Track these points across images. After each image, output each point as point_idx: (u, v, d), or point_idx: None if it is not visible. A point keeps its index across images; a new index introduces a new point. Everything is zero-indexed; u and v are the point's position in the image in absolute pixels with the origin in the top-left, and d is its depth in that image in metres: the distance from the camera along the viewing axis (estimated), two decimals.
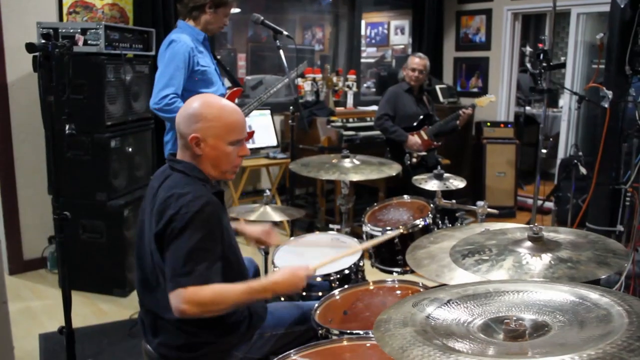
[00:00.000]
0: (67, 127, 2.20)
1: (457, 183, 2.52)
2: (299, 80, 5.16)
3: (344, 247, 2.44)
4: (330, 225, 2.61)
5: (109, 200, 3.45)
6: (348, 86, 5.54)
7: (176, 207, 1.63)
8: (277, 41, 3.11)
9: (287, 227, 4.55)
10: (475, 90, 6.15)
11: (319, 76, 5.32)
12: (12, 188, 3.72)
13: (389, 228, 2.42)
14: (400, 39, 8.25)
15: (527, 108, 6.90)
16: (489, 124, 5.77)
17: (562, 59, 5.73)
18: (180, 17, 2.99)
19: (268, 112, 4.97)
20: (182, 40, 2.84)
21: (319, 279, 2.24)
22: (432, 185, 2.51)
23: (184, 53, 2.80)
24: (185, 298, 1.56)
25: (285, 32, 3.10)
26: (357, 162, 2.69)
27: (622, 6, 3.08)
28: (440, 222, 2.49)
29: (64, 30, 3.31)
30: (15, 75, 3.63)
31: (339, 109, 5.39)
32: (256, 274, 2.42)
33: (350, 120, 5.19)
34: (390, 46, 8.50)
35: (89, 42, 3.29)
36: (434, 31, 6.20)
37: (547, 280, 1.37)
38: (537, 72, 3.57)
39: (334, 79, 5.44)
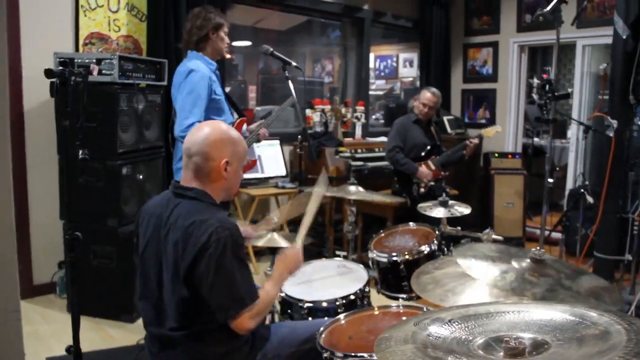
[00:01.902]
0: (80, 152, 2.26)
1: (462, 210, 2.54)
2: (308, 111, 5.24)
3: (350, 274, 2.46)
4: (337, 252, 2.63)
5: (120, 226, 3.49)
6: (357, 117, 5.61)
7: (204, 235, 1.66)
8: (286, 72, 3.19)
9: None
10: (483, 121, 6.21)
11: (327, 107, 5.39)
12: (24, 213, 3.78)
13: (394, 254, 2.44)
14: (409, 72, 8.37)
15: (535, 139, 6.94)
16: (496, 154, 5.80)
17: (570, 90, 5.78)
18: (187, 48, 3.09)
19: (277, 142, 5.03)
20: (201, 70, 2.94)
21: (324, 304, 2.26)
22: (437, 212, 2.53)
23: (205, 82, 2.91)
24: (251, 316, 1.70)
25: (294, 63, 3.18)
26: (361, 189, 2.73)
27: (624, 37, 3.14)
28: (445, 248, 2.51)
29: (79, 61, 3.41)
30: (32, 103, 3.73)
31: (348, 139, 5.45)
32: None
33: (359, 150, 5.24)
34: (399, 78, 8.62)
35: (103, 71, 3.39)
36: (442, 63, 6.30)
37: (547, 302, 1.38)
38: (543, 102, 3.61)
39: (343, 110, 5.52)
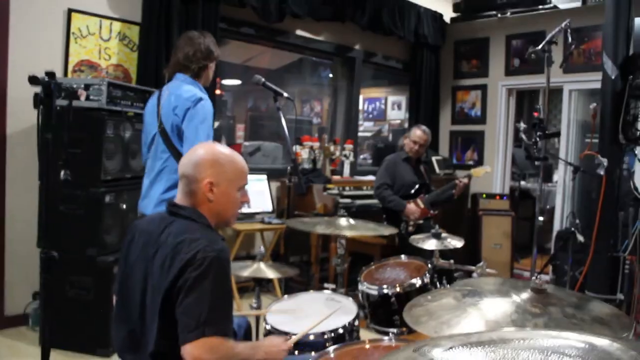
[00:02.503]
0: (62, 172, 2.18)
1: (455, 242, 2.48)
2: (297, 148, 5.21)
3: (338, 307, 2.36)
4: (325, 285, 2.53)
5: (99, 256, 3.36)
6: (345, 155, 5.59)
7: (190, 252, 1.58)
8: (277, 103, 3.15)
9: (279, 290, 4.44)
10: (471, 162, 6.23)
11: (316, 144, 5.37)
12: (0, 242, 3.64)
13: (385, 287, 2.35)
14: (397, 114, 8.45)
15: (522, 182, 6.96)
16: (484, 195, 5.78)
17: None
18: (179, 71, 2.94)
19: (264, 177, 4.97)
20: (208, 99, 2.83)
21: (312, 337, 2.15)
22: (430, 244, 2.47)
23: (212, 112, 2.82)
24: (209, 348, 1.53)
25: (285, 94, 3.14)
26: (352, 222, 2.66)
27: (612, 77, 3.17)
28: (437, 282, 2.43)
29: (67, 85, 3.35)
30: (15, 127, 3.65)
31: (336, 177, 5.41)
32: (247, 332, 2.33)
33: (347, 188, 5.20)
34: (387, 121, 8.69)
35: (90, 97, 3.33)
36: (431, 105, 6.36)
37: (554, 329, 1.31)
38: (532, 142, 3.61)
39: (331, 147, 5.50)
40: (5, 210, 3.68)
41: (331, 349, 1.96)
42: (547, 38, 3.23)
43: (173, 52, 3.07)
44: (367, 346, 2.01)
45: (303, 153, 5.22)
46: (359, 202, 5.00)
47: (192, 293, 1.55)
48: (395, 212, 4.41)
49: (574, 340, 1.18)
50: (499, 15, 5.86)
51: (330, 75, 6.54)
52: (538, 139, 3.60)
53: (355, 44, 5.87)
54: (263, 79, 3.15)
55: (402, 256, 2.69)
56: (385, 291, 2.32)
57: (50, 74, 1.67)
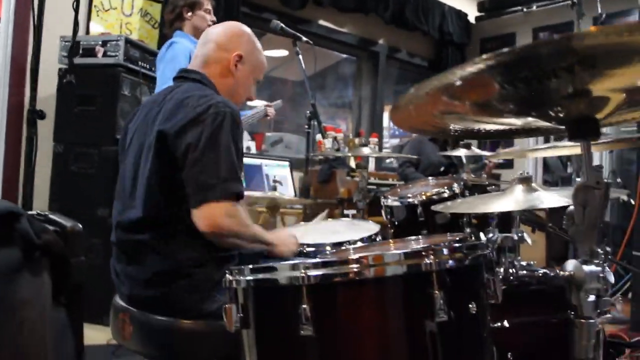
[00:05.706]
0: (67, 76, 2.09)
1: (485, 152, 2.27)
2: (319, 136, 5.07)
3: (359, 227, 2.16)
4: (345, 212, 2.35)
5: (111, 217, 3.22)
6: (370, 149, 5.41)
7: (201, 106, 1.44)
8: (297, 47, 3.08)
9: None
10: (501, 161, 5.97)
11: (340, 135, 5.24)
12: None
13: (409, 196, 2.14)
14: None
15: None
16: None
17: None
18: (168, 30, 3.12)
19: (287, 164, 4.83)
20: (183, 42, 2.90)
21: (328, 248, 1.95)
22: (459, 152, 2.27)
23: (185, 53, 2.83)
24: (230, 212, 1.40)
25: (304, 38, 3.07)
26: (377, 152, 2.49)
27: None
28: (468, 196, 2.20)
29: (85, 43, 3.32)
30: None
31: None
32: None
33: (372, 179, 5.00)
34: (413, 138, 8.50)
35: (108, 53, 3.28)
36: None
37: None
38: None
39: (356, 140, 5.34)
40: (19, 181, 3.59)
41: (351, 247, 1.76)
42: None
43: None
44: (392, 247, 1.79)
45: (326, 142, 5.07)
46: (385, 189, 4.79)
47: (209, 150, 1.41)
48: None
49: None
50: (525, 9, 5.75)
51: (352, 93, 6.45)
52: None
53: (379, 39, 5.79)
54: (281, 24, 3.09)
55: (430, 178, 2.49)
56: (410, 200, 2.11)
57: None
